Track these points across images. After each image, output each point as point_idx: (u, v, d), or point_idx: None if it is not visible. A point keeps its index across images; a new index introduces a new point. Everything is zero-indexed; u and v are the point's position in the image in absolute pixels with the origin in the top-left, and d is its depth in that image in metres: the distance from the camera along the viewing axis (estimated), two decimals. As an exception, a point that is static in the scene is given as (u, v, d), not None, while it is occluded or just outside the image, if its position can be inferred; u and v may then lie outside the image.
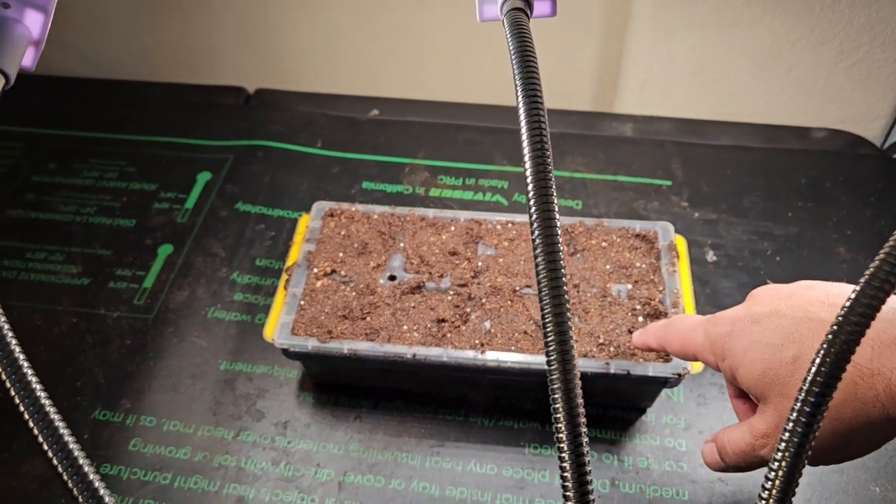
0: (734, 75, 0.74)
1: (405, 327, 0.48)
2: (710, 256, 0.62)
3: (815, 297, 0.34)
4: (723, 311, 0.37)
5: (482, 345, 0.47)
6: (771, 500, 0.24)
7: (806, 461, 0.24)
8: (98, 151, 0.72)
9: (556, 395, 0.24)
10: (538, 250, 0.25)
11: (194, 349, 0.56)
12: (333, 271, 0.52)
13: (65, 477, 0.24)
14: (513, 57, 0.28)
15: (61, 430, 0.24)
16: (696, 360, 0.39)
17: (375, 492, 0.48)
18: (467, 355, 0.47)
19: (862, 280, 0.23)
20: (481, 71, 0.78)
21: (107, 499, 0.24)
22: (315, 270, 0.52)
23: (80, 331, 0.57)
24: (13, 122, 0.74)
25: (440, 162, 0.71)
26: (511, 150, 0.72)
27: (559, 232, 0.25)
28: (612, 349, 0.47)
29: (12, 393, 0.25)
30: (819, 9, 0.67)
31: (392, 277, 0.51)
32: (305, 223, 0.55)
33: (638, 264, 0.52)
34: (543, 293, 0.25)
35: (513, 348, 0.47)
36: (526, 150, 0.26)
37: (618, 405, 0.52)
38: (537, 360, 0.46)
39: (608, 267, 0.51)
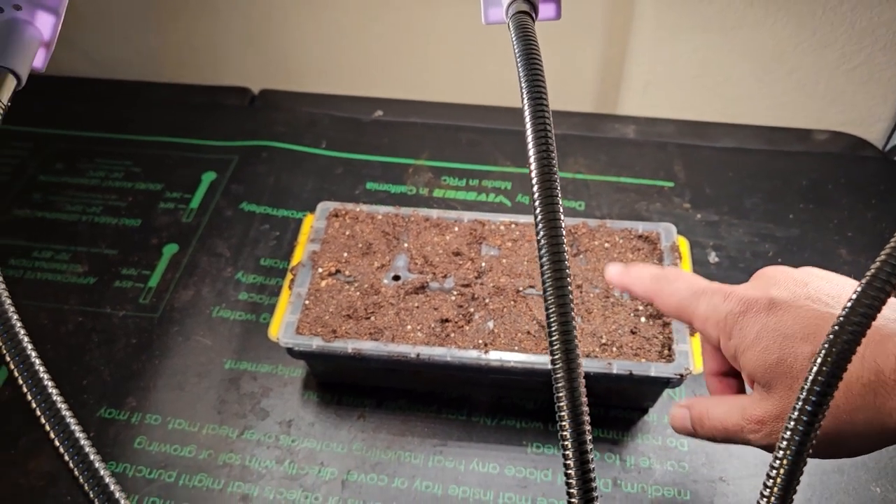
0: (736, 78, 0.75)
1: (409, 327, 0.49)
2: (713, 258, 0.62)
3: (830, 290, 0.33)
4: (730, 286, 0.36)
5: (485, 345, 0.47)
6: (772, 499, 0.24)
7: (806, 462, 0.24)
8: (104, 151, 0.73)
9: (561, 395, 0.25)
10: (543, 251, 0.25)
11: (199, 348, 0.56)
12: (338, 271, 0.52)
13: (76, 473, 0.24)
14: (518, 60, 0.28)
15: (73, 428, 0.25)
16: (686, 322, 0.38)
17: (378, 490, 0.48)
18: (471, 355, 0.47)
19: (863, 281, 0.24)
20: (485, 72, 0.79)
21: (117, 494, 0.24)
22: (320, 270, 0.52)
23: (86, 329, 0.58)
24: (20, 122, 0.75)
25: (444, 163, 0.71)
26: (514, 152, 0.73)
27: (564, 233, 0.26)
28: (614, 349, 0.47)
29: (25, 390, 0.25)
30: (821, 12, 0.68)
31: (396, 277, 0.52)
32: (310, 223, 0.55)
33: (640, 265, 0.52)
34: (548, 294, 0.25)
35: (516, 348, 0.47)
36: (531, 153, 0.26)
37: (620, 405, 0.52)
38: (540, 360, 0.46)
39: (611, 268, 0.52)
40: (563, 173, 0.70)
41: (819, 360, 0.24)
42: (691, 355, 0.46)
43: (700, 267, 0.61)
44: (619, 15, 0.72)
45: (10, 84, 0.31)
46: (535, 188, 0.26)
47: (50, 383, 0.25)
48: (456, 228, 0.55)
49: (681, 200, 0.68)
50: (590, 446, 0.24)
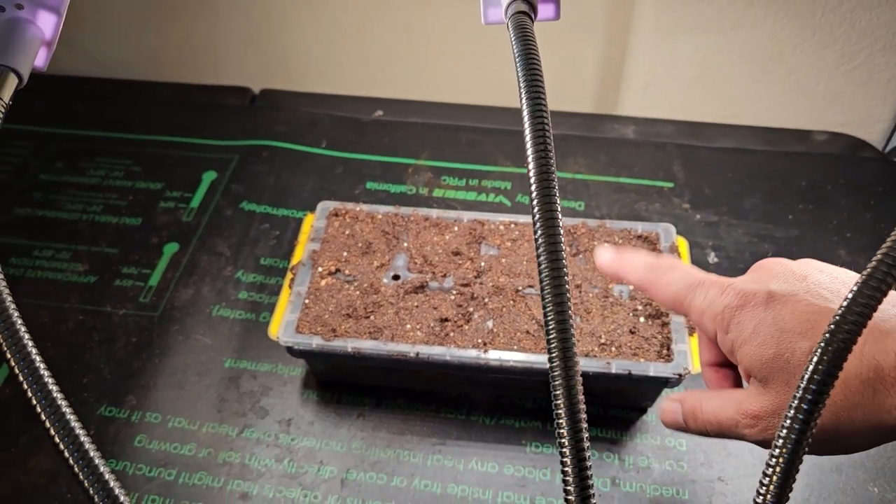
0: (736, 78, 0.75)
1: (408, 326, 0.49)
2: (712, 258, 0.62)
3: (828, 284, 0.32)
4: (727, 279, 0.35)
5: (485, 344, 0.48)
6: (769, 496, 0.24)
7: (802, 460, 0.24)
8: (104, 150, 0.73)
9: (558, 393, 0.25)
10: (541, 250, 0.26)
11: (199, 347, 0.56)
12: (338, 270, 0.52)
13: (76, 470, 0.24)
14: (517, 61, 0.28)
15: (73, 425, 0.25)
16: (681, 314, 0.37)
17: (378, 489, 0.48)
18: (470, 354, 0.47)
19: (860, 277, 0.24)
20: (484, 73, 0.79)
21: (117, 491, 0.25)
22: (320, 269, 0.52)
23: (86, 328, 0.58)
24: (21, 121, 0.75)
25: (443, 163, 0.72)
26: (514, 152, 0.73)
27: (562, 233, 0.26)
28: (613, 349, 0.47)
29: (25, 387, 0.25)
30: (821, 13, 0.68)
31: (396, 277, 0.52)
32: (310, 223, 0.55)
33: (639, 265, 0.52)
34: (546, 293, 0.25)
35: (515, 348, 0.47)
36: (529, 153, 0.27)
37: (619, 405, 0.52)
38: (539, 360, 0.47)
39: (610, 268, 0.52)
40: (563, 173, 0.70)
41: (816, 357, 0.24)
42: (690, 355, 0.46)
43: (699, 267, 0.61)
44: (618, 15, 0.72)
45: (12, 83, 0.31)
46: (534, 188, 0.26)
47: (50, 380, 0.25)
48: (455, 228, 0.55)
49: (680, 201, 0.68)
50: (586, 444, 0.24)
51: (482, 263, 0.52)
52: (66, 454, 0.25)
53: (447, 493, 0.48)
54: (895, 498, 0.47)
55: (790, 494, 0.25)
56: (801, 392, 0.24)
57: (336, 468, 0.49)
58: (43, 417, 0.25)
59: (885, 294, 0.23)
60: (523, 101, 0.27)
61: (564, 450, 0.24)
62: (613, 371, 0.46)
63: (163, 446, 0.51)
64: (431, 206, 0.66)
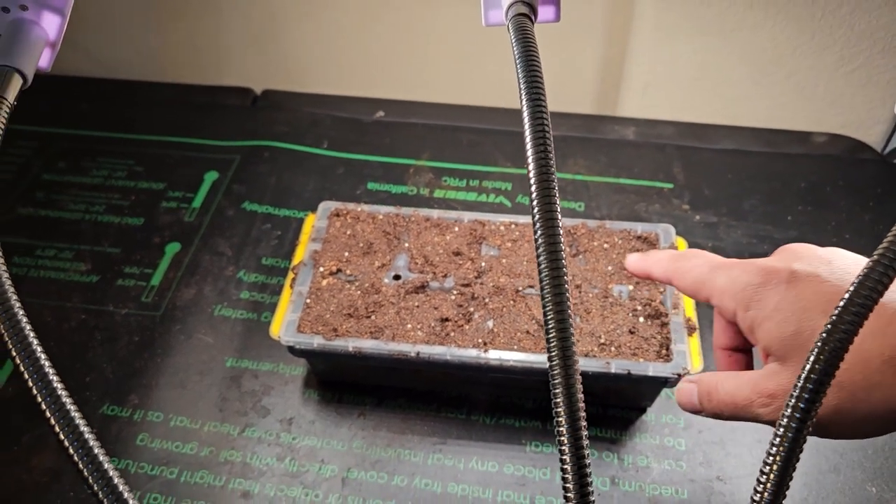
0: (735, 80, 0.75)
1: (409, 326, 0.49)
2: (711, 259, 0.63)
3: (852, 269, 0.32)
4: (749, 259, 0.35)
5: (485, 344, 0.48)
6: (766, 493, 0.25)
7: (802, 449, 0.25)
8: (107, 151, 0.73)
9: (558, 392, 0.25)
10: (540, 251, 0.26)
11: (201, 346, 0.57)
12: (339, 270, 0.52)
13: (80, 467, 0.25)
14: (517, 62, 0.28)
15: (78, 422, 0.25)
16: (706, 301, 0.37)
17: (378, 488, 0.49)
18: (470, 354, 0.47)
19: (858, 277, 0.24)
20: (485, 73, 0.79)
21: (121, 487, 0.25)
22: (321, 269, 0.52)
23: (88, 327, 0.58)
24: (23, 121, 0.75)
25: (444, 163, 0.72)
26: (514, 152, 0.73)
27: (562, 233, 0.26)
28: (613, 349, 0.48)
29: (30, 384, 0.25)
30: (820, 15, 0.68)
31: (397, 277, 0.52)
32: (311, 223, 0.56)
33: (639, 266, 0.52)
34: (546, 293, 0.25)
35: (515, 347, 0.48)
36: (529, 154, 0.27)
37: (618, 404, 0.53)
38: (539, 360, 0.47)
39: (610, 268, 0.52)
40: (563, 174, 0.70)
41: (813, 356, 0.24)
42: (689, 355, 0.47)
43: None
44: (618, 17, 0.72)
45: (17, 84, 0.31)
46: (534, 189, 0.26)
47: (55, 378, 0.26)
48: (456, 228, 0.55)
49: (680, 202, 0.68)
50: (586, 443, 0.25)
51: (483, 264, 0.53)
52: (71, 451, 0.25)
53: (447, 492, 0.48)
54: (893, 498, 0.48)
55: (787, 493, 0.25)
56: (798, 390, 0.24)
57: (337, 467, 0.50)
58: (48, 415, 0.25)
59: (886, 287, 0.24)
60: (524, 102, 0.27)
61: (564, 447, 0.25)
62: (613, 371, 0.46)
63: (165, 445, 0.51)
64: (432, 206, 0.67)
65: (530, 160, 0.27)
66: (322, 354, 0.49)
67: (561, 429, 0.25)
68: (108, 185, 0.70)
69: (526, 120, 0.27)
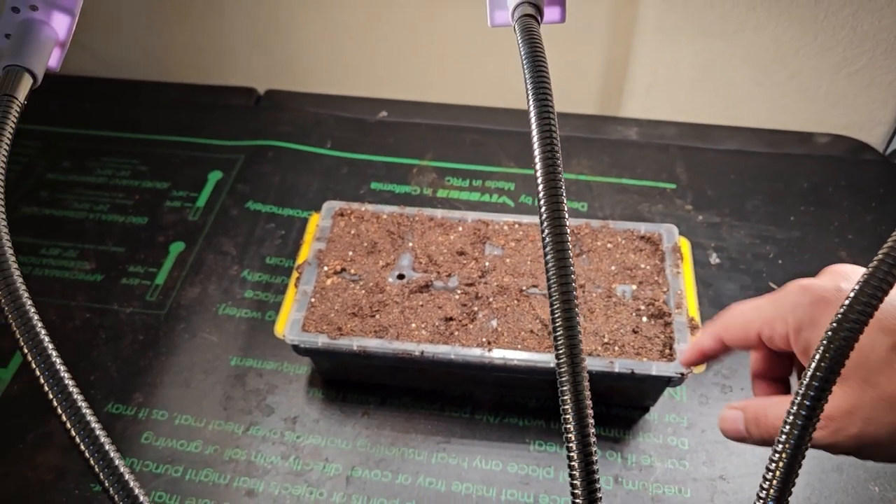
0: (738, 81, 0.75)
1: (413, 325, 0.49)
2: (714, 259, 0.63)
3: None
4: (796, 281, 0.34)
5: (489, 343, 0.48)
6: (771, 492, 0.25)
7: (804, 456, 0.25)
8: (111, 150, 0.74)
9: (565, 389, 0.25)
10: (548, 249, 0.26)
11: (205, 345, 0.57)
12: (343, 269, 0.53)
13: (92, 464, 0.25)
14: (524, 63, 0.29)
15: (89, 419, 0.25)
16: (757, 339, 0.35)
17: (382, 486, 0.49)
18: (474, 353, 0.47)
19: (860, 280, 0.24)
20: (488, 74, 0.79)
21: (132, 484, 0.25)
22: (325, 268, 0.53)
23: (93, 326, 0.58)
24: (28, 120, 0.75)
25: (448, 163, 0.72)
26: (517, 152, 0.73)
27: (569, 234, 0.26)
28: (616, 348, 0.48)
29: (43, 385, 0.25)
30: (823, 16, 0.68)
31: (401, 276, 0.52)
32: (316, 222, 0.56)
33: (642, 266, 0.52)
34: (553, 292, 0.26)
35: (519, 347, 0.48)
36: (537, 154, 0.27)
37: (622, 404, 0.53)
38: (543, 359, 0.47)
39: (613, 268, 0.52)
40: (567, 174, 0.71)
41: (819, 355, 0.25)
42: (692, 355, 0.47)
43: (701, 268, 0.62)
44: (622, 18, 0.72)
45: (27, 83, 0.31)
46: (541, 190, 0.26)
47: (67, 375, 0.26)
48: (460, 228, 0.55)
49: (683, 202, 0.68)
50: (594, 441, 0.25)
51: (486, 263, 0.53)
52: (83, 447, 0.25)
53: (451, 490, 0.49)
54: (895, 497, 0.48)
55: (792, 492, 0.25)
56: (803, 389, 0.25)
57: (341, 466, 0.50)
58: (60, 412, 0.25)
59: (884, 296, 0.24)
60: (531, 103, 0.28)
61: (571, 445, 0.25)
62: (616, 370, 0.46)
63: (169, 443, 0.51)
64: (436, 206, 0.67)
65: (538, 160, 0.27)
66: (326, 353, 0.49)
67: (568, 425, 0.25)
68: (112, 185, 0.70)
69: (533, 120, 0.27)
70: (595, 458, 0.25)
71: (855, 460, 0.49)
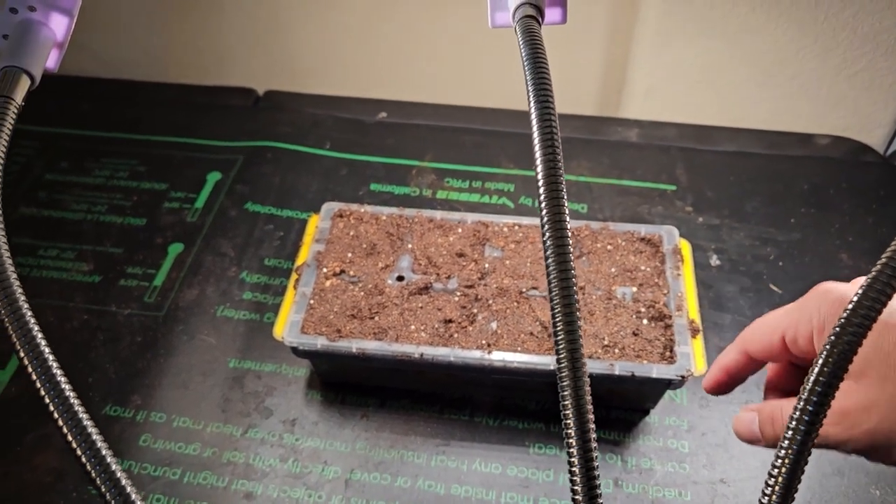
0: (738, 82, 0.75)
1: (413, 327, 0.49)
2: (714, 261, 0.63)
3: None
4: (821, 284, 0.34)
5: (488, 345, 0.48)
6: (774, 496, 0.25)
7: (807, 462, 0.25)
8: (109, 151, 0.73)
9: (566, 392, 0.25)
10: (549, 252, 0.26)
11: (204, 347, 0.57)
12: (342, 271, 0.52)
13: (87, 467, 0.25)
14: (525, 64, 0.28)
15: (86, 423, 0.25)
16: (782, 343, 0.35)
17: (382, 489, 0.49)
18: (474, 355, 0.47)
19: (862, 286, 0.24)
20: (488, 75, 0.79)
21: (128, 488, 0.25)
22: (324, 270, 0.52)
23: (91, 327, 0.58)
24: (26, 121, 0.74)
25: (447, 164, 0.72)
26: (517, 154, 0.73)
27: (570, 235, 0.26)
28: (616, 351, 0.48)
29: (38, 385, 0.25)
30: (823, 18, 0.68)
31: (400, 278, 0.52)
32: (315, 223, 0.56)
33: (643, 268, 0.52)
34: (554, 295, 0.25)
35: (519, 349, 0.48)
36: (538, 156, 0.27)
37: (622, 406, 0.53)
38: (543, 361, 0.47)
39: (613, 270, 0.52)
40: (567, 176, 0.70)
41: (821, 360, 0.24)
42: (692, 357, 0.47)
43: (702, 269, 0.62)
44: (622, 19, 0.72)
45: (25, 84, 0.31)
46: (542, 191, 0.26)
47: (63, 378, 0.26)
48: (459, 230, 0.55)
49: (683, 204, 0.68)
50: (594, 444, 0.25)
51: (486, 265, 0.53)
52: (79, 452, 0.25)
53: (451, 493, 0.48)
54: (896, 500, 0.48)
55: (795, 496, 0.25)
56: (806, 394, 0.24)
57: (340, 468, 0.50)
58: (56, 415, 0.25)
59: (887, 302, 0.24)
60: (532, 104, 0.27)
61: (572, 450, 0.24)
62: (617, 373, 0.46)
63: (167, 446, 0.51)
64: (435, 207, 0.66)
65: (539, 162, 0.27)
66: (325, 355, 0.49)
67: (569, 430, 0.25)
68: (110, 186, 0.70)
69: (534, 122, 0.27)
70: (596, 461, 0.25)
71: (856, 463, 0.49)
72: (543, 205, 0.26)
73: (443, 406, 0.53)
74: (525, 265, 0.53)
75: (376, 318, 0.50)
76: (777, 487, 0.25)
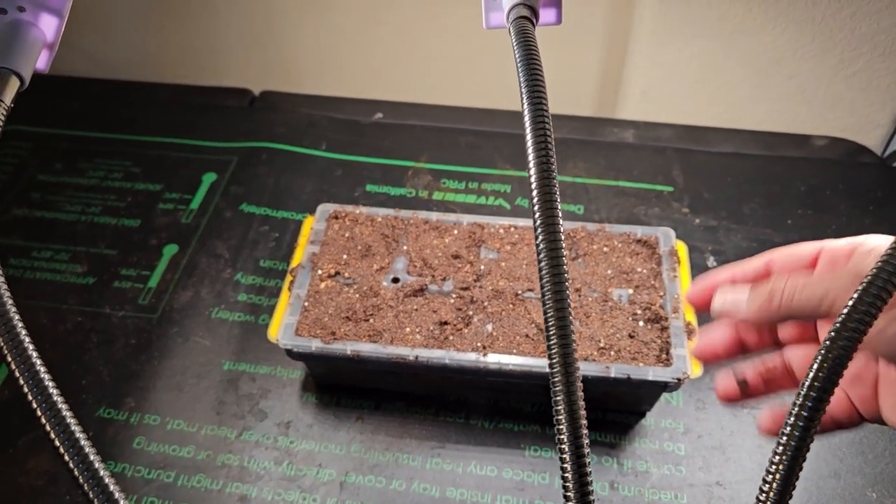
0: (735, 83, 0.75)
1: (408, 329, 0.49)
2: (711, 262, 0.62)
3: None
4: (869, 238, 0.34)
5: (484, 347, 0.48)
6: (770, 497, 0.24)
7: (802, 466, 0.25)
8: (103, 151, 0.73)
9: (558, 396, 0.25)
10: (542, 255, 0.26)
11: (198, 349, 0.56)
12: (337, 273, 0.52)
13: (76, 473, 0.24)
14: (519, 65, 0.28)
15: (73, 428, 0.25)
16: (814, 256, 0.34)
17: (377, 492, 0.48)
18: (469, 358, 0.47)
19: (860, 286, 0.24)
20: (484, 75, 0.79)
21: (117, 495, 0.25)
22: (319, 272, 0.52)
23: (85, 329, 0.58)
24: (19, 121, 0.75)
25: (443, 165, 0.72)
26: (513, 155, 0.73)
27: (563, 237, 0.26)
28: (612, 353, 0.47)
29: (25, 389, 0.25)
30: (820, 18, 0.68)
31: (395, 280, 0.52)
32: (310, 225, 0.55)
33: (639, 269, 0.52)
34: (546, 297, 0.25)
35: (514, 351, 0.47)
36: (531, 157, 0.27)
37: (618, 409, 0.52)
38: (538, 364, 0.47)
39: (609, 272, 0.52)
40: (562, 177, 0.70)
41: (816, 364, 0.24)
42: (689, 359, 0.46)
43: (699, 271, 0.61)
44: (618, 20, 0.72)
45: (14, 85, 0.31)
46: (535, 192, 0.26)
47: (51, 383, 0.25)
48: (455, 231, 0.55)
49: (679, 205, 0.68)
50: (587, 450, 0.24)
51: (482, 267, 0.52)
52: (66, 457, 0.25)
53: (446, 496, 0.48)
54: (893, 503, 0.48)
55: (792, 497, 0.25)
56: (801, 399, 0.24)
57: (335, 471, 0.49)
58: (43, 420, 0.25)
59: (885, 302, 0.24)
60: (525, 105, 0.27)
61: (565, 455, 0.24)
62: (612, 375, 0.46)
63: (161, 448, 0.50)
64: (431, 209, 0.66)
65: (532, 163, 0.26)
66: (320, 358, 0.49)
67: (562, 434, 0.24)
68: (104, 187, 0.69)
69: (527, 123, 0.27)
70: (588, 465, 0.24)
71: (853, 466, 0.49)
72: (536, 206, 0.26)
73: (438, 408, 0.53)
74: (521, 267, 0.52)
75: (371, 321, 0.49)
76: (773, 490, 0.25)
